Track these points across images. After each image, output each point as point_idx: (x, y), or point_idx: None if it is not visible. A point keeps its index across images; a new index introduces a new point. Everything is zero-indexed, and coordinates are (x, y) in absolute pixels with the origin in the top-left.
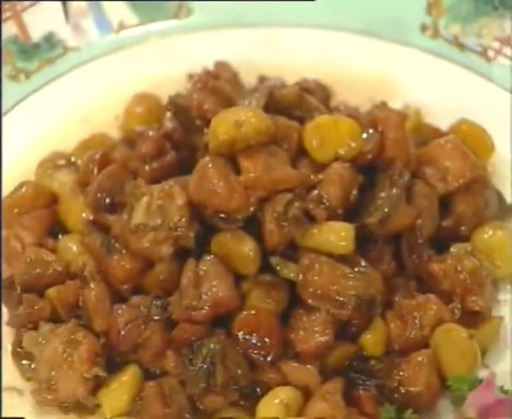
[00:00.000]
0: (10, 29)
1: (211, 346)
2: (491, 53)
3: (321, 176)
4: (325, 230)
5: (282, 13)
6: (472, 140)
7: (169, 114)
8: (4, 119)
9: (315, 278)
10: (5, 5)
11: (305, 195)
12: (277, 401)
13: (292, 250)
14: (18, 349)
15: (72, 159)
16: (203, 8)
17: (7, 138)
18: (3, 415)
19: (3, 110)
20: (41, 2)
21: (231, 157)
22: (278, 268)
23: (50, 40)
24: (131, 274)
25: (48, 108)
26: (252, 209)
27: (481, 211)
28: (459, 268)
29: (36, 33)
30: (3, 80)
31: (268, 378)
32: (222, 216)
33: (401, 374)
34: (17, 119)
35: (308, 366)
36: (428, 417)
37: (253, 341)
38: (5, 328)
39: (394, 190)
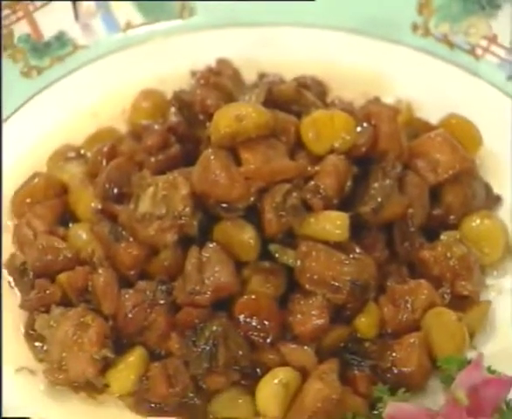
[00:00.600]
0: (22, 28)
1: (214, 328)
2: (479, 51)
3: (317, 168)
4: (321, 218)
5: (281, 13)
6: (461, 134)
7: (173, 109)
8: (17, 113)
9: (312, 264)
10: (18, 6)
11: (302, 186)
12: (276, 380)
13: (290, 238)
14: (31, 331)
15: (82, 151)
16: (205, 8)
17: (20, 132)
18: (18, 395)
19: (17, 105)
20: (52, 2)
21: (233, 149)
22: (277, 255)
23: (60, 39)
24: (137, 260)
25: (59, 103)
26: (252, 198)
27: (470, 201)
28: (448, 255)
29: (47, 32)
30: (18, 77)
31: (268, 359)
32: (224, 205)
33: (394, 355)
34: (29, 113)
35: (306, 347)
36: (419, 396)
37: (253, 324)
38: (19, 311)
39: (387, 181)
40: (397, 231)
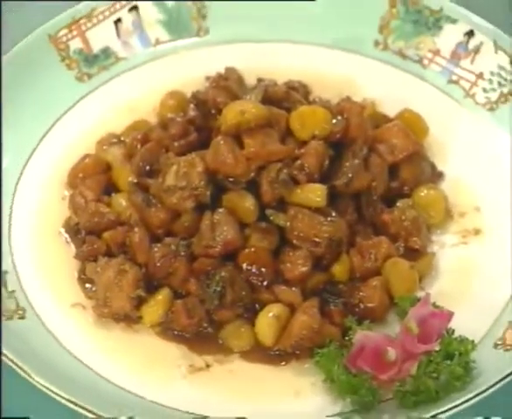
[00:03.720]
0: (76, 44)
1: (223, 274)
2: (426, 61)
3: (302, 151)
4: (305, 189)
5: (275, 33)
6: (412, 124)
7: (192, 106)
8: (73, 109)
9: (299, 224)
10: (73, 26)
11: (291, 165)
12: (271, 314)
13: (281, 205)
14: (82, 276)
15: (122, 138)
16: (217, 29)
17: (75, 123)
18: (73, 325)
19: (72, 103)
20: (100, 24)
21: (237, 136)
22: (271, 218)
23: (106, 52)
24: (164, 222)
25: (104, 102)
26: (252, 174)
27: (419, 176)
28: (403, 217)
29: (96, 47)
30: (73, 81)
31: (264, 297)
32: (230, 179)
33: (361, 294)
34: (82, 109)
35: (293, 288)
36: (380, 326)
37: (253, 271)
38: (73, 261)
39: (356, 161)
40: (363, 199)
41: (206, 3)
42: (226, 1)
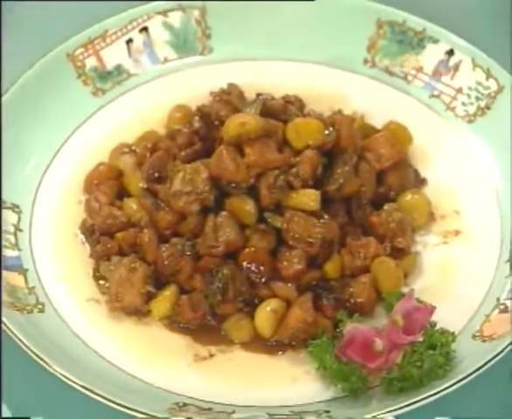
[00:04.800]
0: (92, 62)
1: (225, 271)
2: (410, 77)
3: (298, 159)
4: (300, 194)
5: (272, 52)
6: (397, 135)
7: (197, 118)
8: (88, 121)
9: (294, 226)
10: (89, 45)
11: (287, 172)
12: (268, 308)
13: (279, 208)
14: (97, 274)
15: (133, 147)
16: (220, 48)
17: (90, 133)
18: (87, 317)
19: (88, 115)
20: (113, 44)
21: (238, 146)
22: (269, 220)
23: (118, 69)
24: (171, 224)
25: (117, 114)
26: (252, 180)
27: (404, 182)
28: (389, 219)
29: (109, 64)
30: (89, 96)
31: (262, 293)
32: (232, 185)
33: (351, 290)
34: (96, 121)
35: (289, 285)
36: (369, 319)
37: (253, 268)
38: (88, 259)
39: (346, 168)
40: (353, 203)
41: (210, 25)
42: (228, 22)
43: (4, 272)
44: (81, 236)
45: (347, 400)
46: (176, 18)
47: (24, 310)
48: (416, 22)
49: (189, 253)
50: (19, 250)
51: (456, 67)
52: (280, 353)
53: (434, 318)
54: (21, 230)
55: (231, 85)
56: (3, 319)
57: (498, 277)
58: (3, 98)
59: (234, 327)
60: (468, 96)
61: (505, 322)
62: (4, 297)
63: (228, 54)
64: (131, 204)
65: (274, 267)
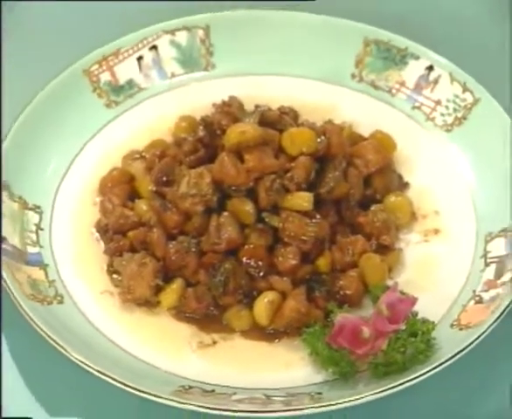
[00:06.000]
0: (106, 77)
1: (226, 266)
2: (394, 91)
3: (292, 164)
4: (295, 196)
5: (269, 68)
6: (383, 142)
7: (201, 127)
8: (103, 130)
9: (289, 225)
10: (103, 62)
11: (283, 176)
12: (266, 299)
13: (275, 209)
14: (110, 268)
15: (143, 154)
16: (222, 64)
17: (104, 142)
18: (102, 308)
19: (102, 125)
20: (125, 60)
21: (239, 153)
22: (267, 220)
23: (130, 83)
24: (178, 223)
25: (129, 124)
26: (251, 184)
27: (389, 185)
28: (375, 219)
29: (121, 79)
30: (103, 107)
31: (260, 286)
32: (233, 188)
33: (341, 283)
34: (110, 131)
35: (285, 278)
36: (357, 310)
37: (252, 264)
38: (103, 255)
39: (336, 173)
40: (343, 204)
41: (213, 43)
42: (230, 41)
43: (26, 267)
44: (96, 235)
45: (337, 383)
46: (182, 37)
47: (44, 301)
48: (399, 40)
49: (194, 250)
50: (40, 247)
51: (435, 81)
52: (277, 340)
53: (416, 308)
54: (42, 229)
55: (231, 98)
56: (26, 310)
57: (474, 271)
58: (27, 109)
59: (235, 317)
60: (447, 107)
61: (480, 312)
62: (27, 290)
63: (229, 70)
64: (141, 205)
65: (271, 262)
